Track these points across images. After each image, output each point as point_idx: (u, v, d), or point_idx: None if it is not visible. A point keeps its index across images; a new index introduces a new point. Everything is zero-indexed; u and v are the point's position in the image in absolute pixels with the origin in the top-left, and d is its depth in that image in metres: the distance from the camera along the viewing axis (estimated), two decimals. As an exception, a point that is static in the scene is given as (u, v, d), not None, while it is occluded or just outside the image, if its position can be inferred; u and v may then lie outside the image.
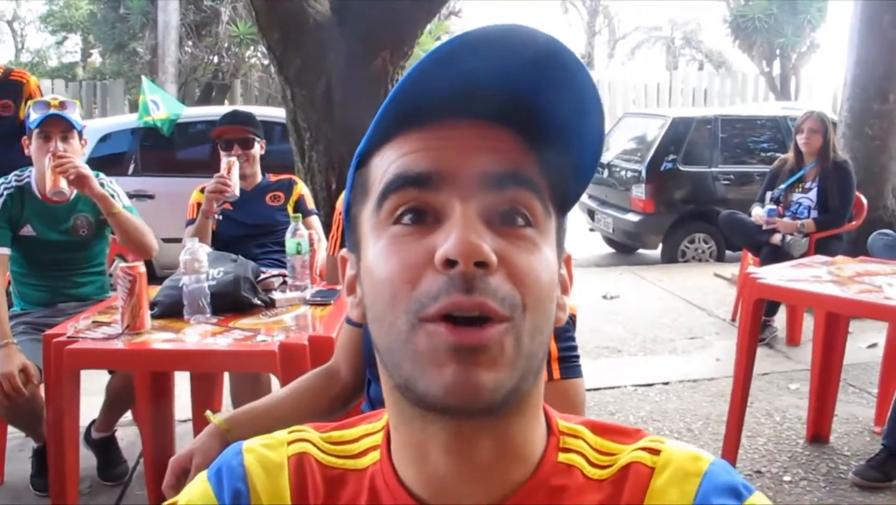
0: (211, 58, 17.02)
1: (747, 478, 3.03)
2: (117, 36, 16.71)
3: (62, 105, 2.74)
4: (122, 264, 2.18)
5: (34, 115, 2.73)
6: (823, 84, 22.41)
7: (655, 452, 0.67)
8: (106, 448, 3.05)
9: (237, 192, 3.09)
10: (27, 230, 2.83)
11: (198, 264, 2.23)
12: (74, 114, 2.78)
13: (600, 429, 0.70)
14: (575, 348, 1.39)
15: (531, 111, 0.63)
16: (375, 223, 0.64)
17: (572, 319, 1.42)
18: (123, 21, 16.37)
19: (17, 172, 2.92)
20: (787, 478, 3.04)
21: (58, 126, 2.73)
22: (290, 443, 0.73)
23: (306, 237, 2.63)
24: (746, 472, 3.07)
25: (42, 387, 2.44)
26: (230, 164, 3.10)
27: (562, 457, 0.67)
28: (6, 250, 2.79)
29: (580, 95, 0.62)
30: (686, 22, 28.31)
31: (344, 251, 0.73)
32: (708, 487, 0.64)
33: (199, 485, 0.71)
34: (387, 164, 0.63)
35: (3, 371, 2.44)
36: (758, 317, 2.80)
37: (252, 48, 16.28)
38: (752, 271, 2.85)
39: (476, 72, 0.60)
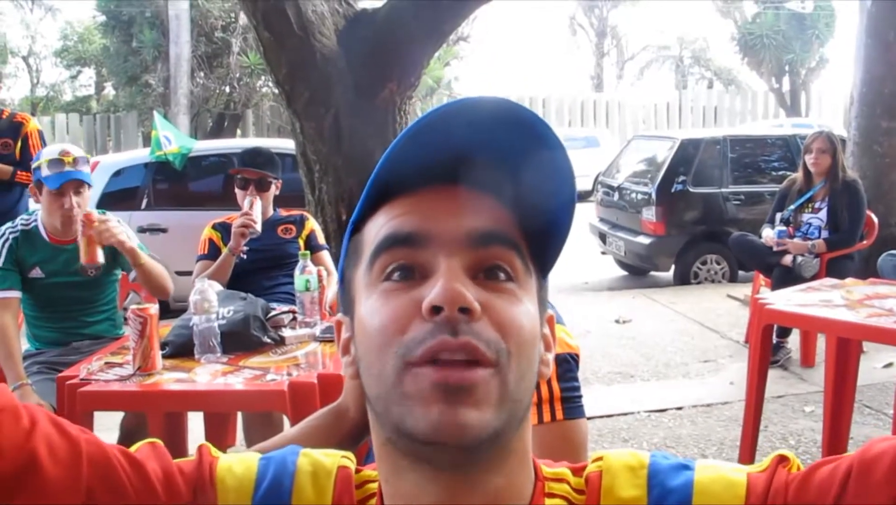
0: (222, 88, 17.23)
1: None
2: (130, 69, 16.94)
3: (75, 162, 2.78)
4: (134, 306, 2.21)
5: (48, 172, 2.76)
6: (834, 99, 22.43)
7: (599, 459, 0.73)
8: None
9: (259, 229, 3.12)
10: (36, 273, 2.86)
11: (208, 304, 2.26)
12: (86, 167, 2.83)
13: (580, 470, 0.74)
14: (578, 389, 1.40)
15: (507, 177, 0.66)
16: (367, 282, 0.67)
17: (574, 359, 1.43)
18: (136, 54, 16.60)
19: (23, 217, 2.97)
20: None
21: (72, 183, 2.78)
22: (342, 457, 0.77)
23: (315, 274, 2.66)
24: (761, 498, 3.05)
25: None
26: (252, 202, 3.13)
27: (548, 502, 0.70)
28: (17, 293, 2.83)
29: (554, 162, 0.66)
30: (694, 40, 28.40)
31: (339, 315, 0.76)
32: (656, 472, 0.70)
33: (249, 458, 0.76)
34: (377, 227, 0.68)
35: None
36: (767, 343, 2.80)
37: (263, 78, 16.46)
38: (760, 297, 2.84)
39: (456, 142, 0.64)
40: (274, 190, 3.44)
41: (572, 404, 1.37)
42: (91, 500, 0.68)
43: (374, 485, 0.73)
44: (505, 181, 0.67)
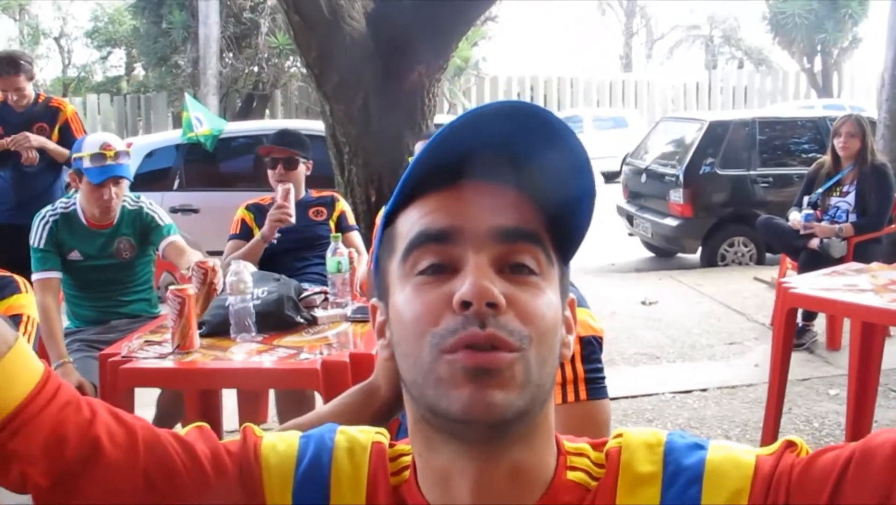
0: (251, 69, 17.31)
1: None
2: (160, 50, 17.07)
3: (117, 156, 2.87)
4: (173, 287, 2.29)
5: (90, 165, 2.86)
6: (866, 79, 22.08)
7: (619, 435, 0.78)
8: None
9: (293, 221, 3.18)
10: (74, 255, 2.97)
11: (243, 285, 2.33)
12: (126, 160, 2.93)
13: (599, 445, 0.79)
14: (601, 370, 1.45)
15: (532, 172, 0.72)
16: (402, 274, 0.73)
17: (598, 341, 1.47)
18: (166, 35, 16.72)
19: (62, 200, 3.07)
20: (825, 486, 3.06)
21: (112, 177, 2.88)
22: (376, 433, 0.83)
23: (346, 255, 2.72)
24: (784, 479, 3.09)
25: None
26: (286, 191, 3.15)
27: (570, 475, 0.75)
28: (57, 274, 2.94)
29: (572, 156, 0.71)
30: (725, 19, 28.01)
31: (374, 300, 0.81)
32: (672, 450, 0.74)
33: (291, 436, 0.82)
34: (410, 223, 0.73)
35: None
36: (791, 326, 2.83)
37: (291, 59, 16.53)
38: (784, 281, 2.87)
39: (482, 141, 0.70)
40: (304, 170, 3.48)
41: (596, 385, 1.42)
42: (148, 480, 0.75)
43: (408, 458, 0.79)
44: (527, 175, 0.72)
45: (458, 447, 0.71)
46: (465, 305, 0.67)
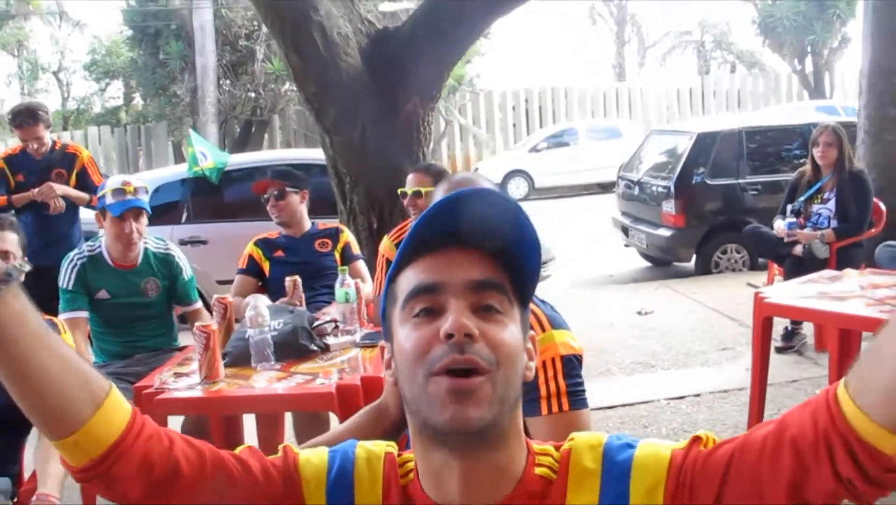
0: (248, 95, 17.57)
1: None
2: (158, 80, 17.33)
3: (136, 191, 3.13)
4: (198, 323, 2.52)
5: (112, 200, 3.11)
6: (857, 78, 22.26)
7: (571, 439, 1.02)
8: (184, 482, 3.38)
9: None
10: (102, 294, 3.21)
11: (261, 319, 2.56)
12: (145, 196, 3.17)
13: (559, 447, 1.04)
14: (581, 385, 1.67)
15: (495, 240, 0.98)
16: (402, 318, 0.99)
17: (578, 359, 1.70)
18: (163, 66, 16.98)
19: (89, 243, 3.31)
20: (809, 481, 3.26)
21: (132, 211, 3.13)
22: (388, 445, 1.08)
23: (353, 287, 2.95)
24: (770, 477, 3.29)
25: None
26: (294, 282, 3.32)
27: (537, 470, 1.00)
28: (84, 313, 3.18)
29: (521, 227, 0.98)
30: (716, 24, 28.24)
31: (382, 341, 1.07)
32: (608, 449, 0.98)
33: (321, 451, 1.07)
34: (408, 280, 0.99)
35: None
36: (767, 335, 3.05)
37: (288, 83, 16.75)
38: (760, 291, 3.08)
39: (454, 218, 0.97)
40: (298, 200, 3.71)
41: (576, 398, 1.65)
42: (215, 488, 0.98)
43: (412, 463, 1.03)
44: (492, 242, 0.98)
45: (446, 451, 0.95)
46: (449, 336, 0.92)
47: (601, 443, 0.99)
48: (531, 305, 1.69)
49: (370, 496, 1.01)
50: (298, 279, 3.40)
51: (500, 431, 0.95)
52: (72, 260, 3.21)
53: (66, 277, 3.18)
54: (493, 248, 0.98)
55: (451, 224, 0.96)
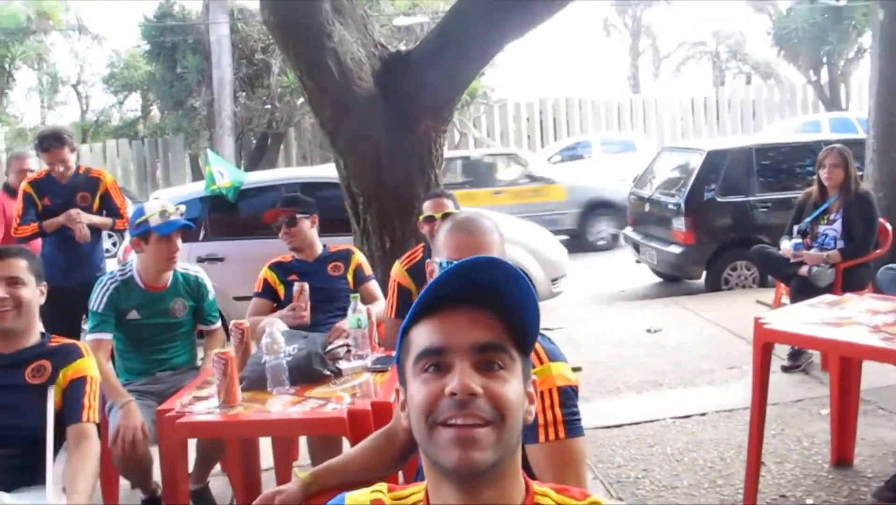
0: (265, 108, 17.72)
1: (772, 503, 3.34)
2: (175, 94, 17.52)
3: (177, 212, 3.39)
4: (217, 350, 2.64)
5: (159, 221, 3.31)
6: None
7: None
8: (202, 497, 3.49)
9: (308, 321, 3.51)
10: (132, 315, 3.37)
11: (277, 346, 2.68)
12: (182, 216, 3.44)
13: (560, 490, 1.18)
14: (577, 414, 1.77)
15: (499, 300, 1.12)
16: (414, 371, 1.14)
17: (574, 390, 1.80)
18: (180, 79, 17.18)
19: (120, 267, 3.46)
20: (809, 501, 3.34)
21: (178, 231, 3.35)
22: (372, 492, 1.24)
23: (364, 312, 3.06)
24: (771, 497, 3.38)
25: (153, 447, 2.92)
26: (301, 288, 3.51)
27: None
28: (110, 336, 3.33)
29: (521, 290, 1.12)
30: (730, 34, 28.21)
31: (397, 384, 1.22)
32: None
33: None
34: (420, 336, 1.14)
35: (131, 423, 2.95)
36: (766, 360, 3.12)
37: (303, 97, 16.93)
38: (760, 317, 3.17)
39: (465, 282, 1.11)
40: (308, 225, 3.85)
41: (572, 426, 1.75)
42: None
43: (418, 495, 1.18)
44: (495, 303, 1.12)
45: (454, 486, 1.10)
46: (453, 394, 1.07)
47: None
48: None
49: None
50: (306, 285, 3.54)
51: (499, 471, 1.09)
52: (104, 284, 3.35)
53: (97, 300, 3.31)
54: (497, 310, 1.11)
55: (460, 288, 1.11)
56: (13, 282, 2.48)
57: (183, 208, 3.53)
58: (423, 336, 1.13)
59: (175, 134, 18.60)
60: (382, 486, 1.24)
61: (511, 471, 1.13)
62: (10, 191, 5.40)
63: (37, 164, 5.53)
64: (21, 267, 2.50)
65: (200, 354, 3.63)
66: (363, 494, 1.23)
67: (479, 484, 1.08)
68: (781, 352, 4.97)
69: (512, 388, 1.10)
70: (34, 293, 2.54)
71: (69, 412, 2.44)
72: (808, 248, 5.14)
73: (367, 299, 3.69)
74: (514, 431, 1.10)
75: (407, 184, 5.08)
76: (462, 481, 1.08)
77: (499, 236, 1.93)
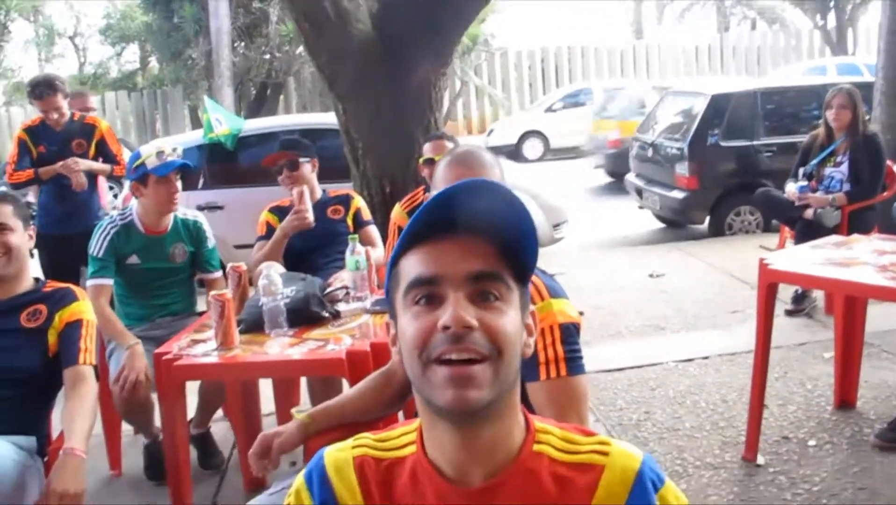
0: (263, 58, 17.50)
1: (774, 444, 3.33)
2: (173, 44, 17.30)
3: (174, 153, 3.31)
4: (214, 292, 2.61)
5: (156, 163, 3.24)
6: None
7: (605, 453, 1.06)
8: (203, 442, 3.50)
9: (312, 222, 3.48)
10: (132, 260, 3.33)
11: (274, 287, 2.64)
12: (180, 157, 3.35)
13: (563, 427, 1.10)
14: (578, 351, 1.74)
15: (494, 227, 1.03)
16: (404, 304, 1.05)
17: (576, 327, 1.76)
18: (178, 30, 16.93)
19: (120, 212, 3.42)
20: (811, 442, 3.33)
21: (176, 171, 3.29)
22: (353, 447, 1.14)
23: (363, 254, 3.02)
24: (774, 438, 3.37)
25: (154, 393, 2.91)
26: (300, 193, 3.47)
27: (535, 447, 1.06)
28: (110, 281, 3.29)
29: (517, 215, 1.03)
30: (737, -23, 27.72)
31: (387, 318, 1.14)
32: (639, 480, 1.03)
33: (297, 483, 1.14)
34: (410, 266, 1.05)
35: (136, 366, 2.95)
36: (771, 301, 3.08)
37: (302, 45, 16.69)
38: (764, 258, 3.12)
39: (454, 209, 1.02)
40: (310, 169, 3.76)
41: (574, 364, 1.72)
42: None
43: (410, 435, 1.10)
44: (488, 228, 1.03)
45: (448, 426, 1.02)
46: (447, 327, 0.98)
47: (635, 468, 1.04)
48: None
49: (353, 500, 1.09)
50: (305, 188, 3.51)
51: (496, 408, 1.02)
52: (104, 228, 3.31)
53: (97, 245, 3.27)
54: (492, 236, 1.03)
55: (452, 214, 1.02)
56: (1, 228, 2.43)
57: (180, 150, 3.44)
58: (412, 266, 1.04)
59: (174, 85, 18.43)
60: (365, 436, 1.14)
61: (510, 408, 1.04)
62: None
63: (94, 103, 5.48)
64: (6, 213, 2.46)
65: (201, 302, 3.60)
66: (344, 448, 1.13)
67: (475, 423, 1.01)
68: (785, 297, 4.94)
69: (509, 319, 1.01)
70: (23, 238, 2.49)
71: (65, 355, 2.41)
72: (814, 190, 5.07)
73: (366, 244, 3.62)
74: (512, 366, 1.02)
75: (406, 128, 5.01)
76: (458, 421, 1.00)
77: (500, 172, 1.87)
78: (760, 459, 3.20)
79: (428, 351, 0.99)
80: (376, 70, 4.94)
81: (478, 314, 0.99)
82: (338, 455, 1.12)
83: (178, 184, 3.32)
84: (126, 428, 3.44)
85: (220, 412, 3.64)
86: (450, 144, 3.63)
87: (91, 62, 23.09)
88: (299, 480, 1.13)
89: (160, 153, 3.26)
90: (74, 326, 2.47)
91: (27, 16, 20.67)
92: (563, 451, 1.06)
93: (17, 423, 2.33)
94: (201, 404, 3.43)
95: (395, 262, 1.08)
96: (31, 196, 5.56)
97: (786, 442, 3.35)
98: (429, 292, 1.02)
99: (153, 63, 21.36)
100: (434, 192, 1.90)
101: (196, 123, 17.60)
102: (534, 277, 1.80)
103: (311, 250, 3.64)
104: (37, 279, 2.60)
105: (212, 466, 3.47)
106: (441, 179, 1.85)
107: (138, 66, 22.00)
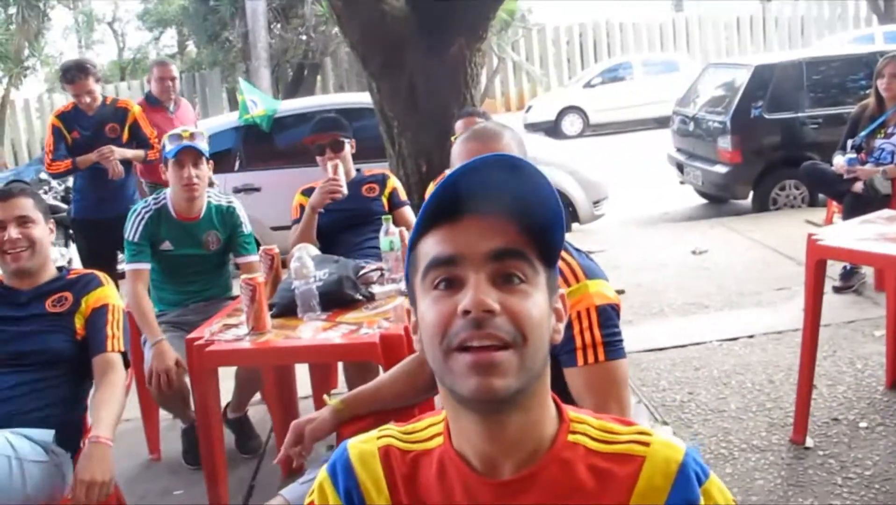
0: (300, 38, 17.52)
1: (823, 425, 3.23)
2: (209, 28, 17.40)
3: (192, 136, 3.17)
4: (245, 276, 2.57)
5: (170, 146, 3.16)
6: (931, 2, 21.16)
7: (645, 444, 0.98)
8: (241, 426, 3.49)
9: (345, 191, 3.42)
10: (165, 246, 3.28)
11: (306, 270, 2.59)
12: (203, 143, 3.21)
13: (601, 417, 1.03)
14: (618, 334, 1.66)
15: (516, 203, 0.95)
16: (423, 288, 0.98)
17: (615, 309, 1.68)
18: (214, 13, 17.02)
19: (154, 196, 3.37)
20: (863, 424, 3.21)
21: (189, 155, 3.15)
22: (378, 438, 1.07)
23: (397, 234, 2.96)
24: (823, 420, 3.26)
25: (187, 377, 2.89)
26: (335, 166, 3.40)
27: (570, 438, 0.99)
28: (147, 265, 3.25)
29: (541, 189, 0.95)
30: (781, -54, 26.98)
31: (407, 304, 1.07)
32: (682, 472, 0.95)
33: (320, 476, 1.07)
34: (428, 248, 0.98)
35: (162, 367, 2.92)
36: (820, 278, 2.96)
37: (333, 20, 16.61)
38: (813, 233, 3.00)
39: (474, 186, 0.95)
40: (349, 149, 3.71)
41: (612, 348, 1.64)
42: None
43: (437, 427, 1.04)
44: (507, 205, 0.95)
45: (473, 416, 0.96)
46: (467, 312, 0.91)
47: (678, 461, 0.97)
48: (564, 255, 1.69)
49: (379, 497, 1.03)
50: (339, 163, 3.43)
51: (525, 397, 0.95)
52: (139, 213, 3.27)
53: (132, 230, 3.24)
54: (514, 213, 0.95)
55: (467, 192, 0.94)
56: (23, 221, 2.44)
57: (206, 133, 3.36)
58: (430, 247, 0.96)
59: (211, 68, 18.52)
60: (390, 427, 1.08)
61: (539, 397, 0.97)
62: (153, 101, 5.38)
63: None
64: (28, 206, 2.46)
65: (236, 286, 3.57)
66: (369, 439, 1.07)
67: (502, 413, 0.94)
68: (832, 273, 4.79)
69: (534, 303, 0.94)
70: (44, 231, 2.50)
71: (93, 342, 2.40)
72: (863, 163, 4.89)
73: (402, 225, 3.56)
74: (539, 352, 0.94)
75: (441, 106, 4.93)
76: (483, 411, 0.94)
77: (516, 143, 1.79)
78: (809, 442, 3.10)
79: (448, 338, 0.92)
80: (410, 47, 4.86)
81: (500, 298, 0.92)
82: (363, 446, 1.06)
83: (195, 170, 3.18)
84: (164, 413, 3.45)
85: (258, 396, 3.63)
86: (481, 121, 3.53)
87: (130, 48, 23.32)
88: (322, 473, 1.08)
89: (175, 136, 3.19)
90: (101, 312, 2.46)
91: (67, 3, 20.84)
92: (600, 441, 0.99)
93: (49, 407, 2.32)
94: (238, 389, 3.42)
95: (413, 245, 1.01)
96: (70, 181, 5.62)
97: (835, 424, 3.24)
98: (448, 275, 0.95)
99: (191, 47, 21.49)
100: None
101: (234, 106, 17.65)
102: (568, 257, 1.73)
103: (346, 229, 3.59)
104: (59, 268, 2.60)
105: (249, 450, 3.46)
106: (457, 157, 1.80)
107: (176, 51, 22.12)
